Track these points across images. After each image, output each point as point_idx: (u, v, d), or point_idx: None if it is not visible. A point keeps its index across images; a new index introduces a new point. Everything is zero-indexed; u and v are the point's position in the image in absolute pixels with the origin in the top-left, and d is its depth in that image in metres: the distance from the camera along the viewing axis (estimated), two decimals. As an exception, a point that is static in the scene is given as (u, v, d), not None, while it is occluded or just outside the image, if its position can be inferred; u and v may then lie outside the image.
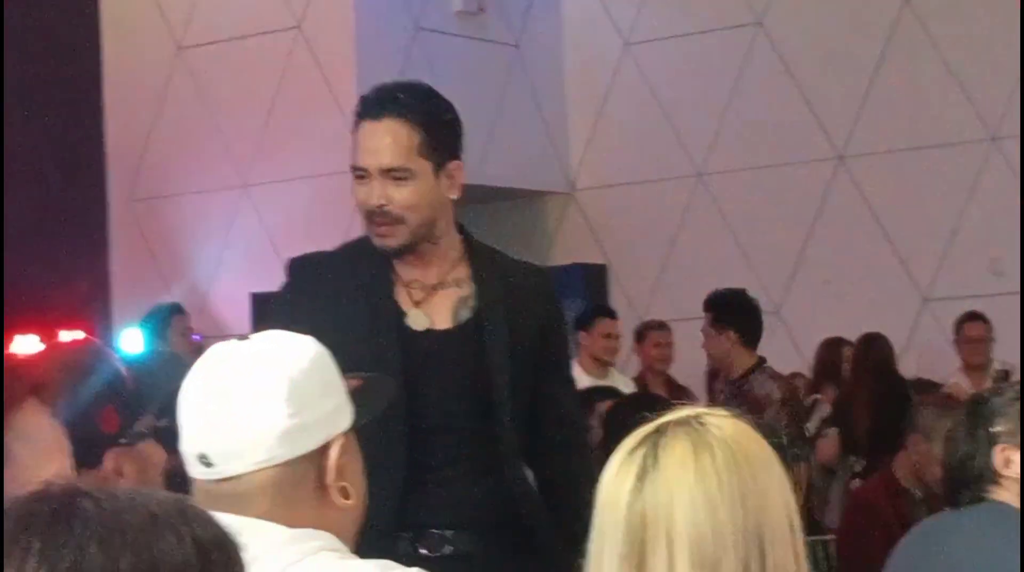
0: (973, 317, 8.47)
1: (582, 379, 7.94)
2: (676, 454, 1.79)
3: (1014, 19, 9.11)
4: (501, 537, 3.24)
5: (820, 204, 9.81)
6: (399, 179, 3.21)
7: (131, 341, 7.95)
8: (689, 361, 8.53)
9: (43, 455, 1.49)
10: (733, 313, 6.86)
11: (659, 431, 1.81)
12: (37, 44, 9.56)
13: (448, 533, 3.19)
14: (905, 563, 3.38)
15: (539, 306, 3.37)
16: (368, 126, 3.23)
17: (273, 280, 3.71)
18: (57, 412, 1.47)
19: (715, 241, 10.03)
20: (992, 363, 8.35)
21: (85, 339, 2.78)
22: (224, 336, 2.10)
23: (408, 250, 3.25)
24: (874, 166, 9.64)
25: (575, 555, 3.12)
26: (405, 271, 3.29)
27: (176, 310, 8.16)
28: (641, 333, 8.60)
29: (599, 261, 10.47)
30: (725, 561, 1.75)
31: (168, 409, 2.15)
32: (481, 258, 3.36)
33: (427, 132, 3.23)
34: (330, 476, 2.00)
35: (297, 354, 2.04)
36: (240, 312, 9.23)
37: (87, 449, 2.33)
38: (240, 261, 9.54)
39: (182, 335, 7.95)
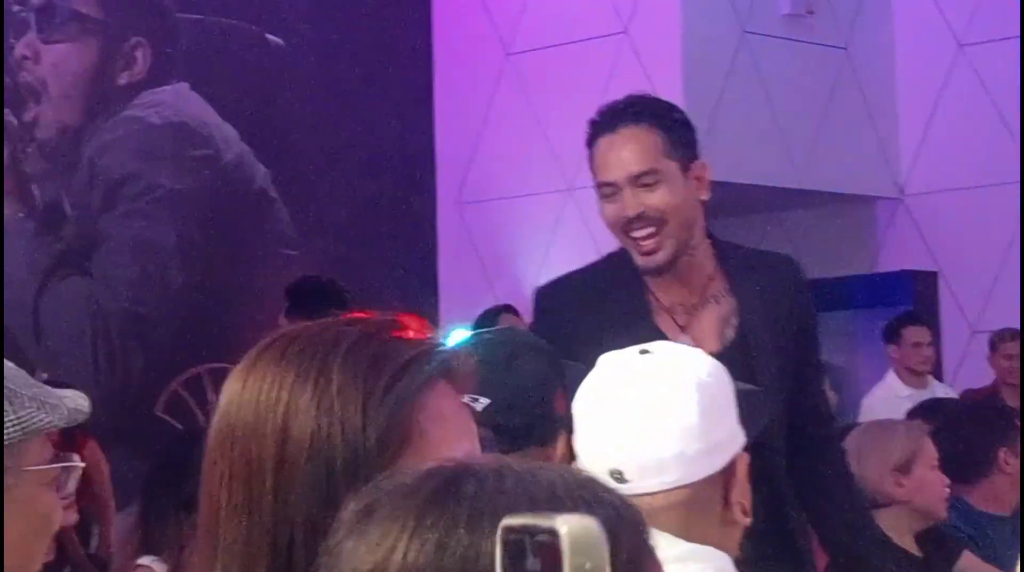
0: None
1: (900, 390, 7.76)
2: None
3: None
4: (767, 544, 3.18)
5: None
6: (650, 184, 3.13)
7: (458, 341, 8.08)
8: None
9: (453, 436, 1.49)
10: None
11: None
12: (370, 50, 9.81)
13: None
14: None
15: (795, 302, 3.24)
16: (606, 140, 3.16)
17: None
18: (480, 393, 1.53)
19: (1052, 248, 9.69)
20: None
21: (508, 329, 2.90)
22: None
23: (672, 264, 3.13)
24: None
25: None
26: (664, 294, 3.18)
27: (506, 310, 8.27)
28: (994, 343, 8.35)
29: (929, 268, 10.21)
30: None
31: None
32: (734, 263, 3.23)
33: (666, 132, 3.15)
34: (736, 494, 1.99)
35: (702, 368, 2.02)
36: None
37: (536, 424, 2.38)
38: (564, 264, 9.58)
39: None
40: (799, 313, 3.24)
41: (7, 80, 8.57)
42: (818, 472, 3.24)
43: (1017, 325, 9.41)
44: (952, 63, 10.17)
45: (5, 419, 1.81)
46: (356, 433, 1.45)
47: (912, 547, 4.21)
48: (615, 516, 1.15)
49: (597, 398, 2.01)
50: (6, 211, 8.46)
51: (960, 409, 5.78)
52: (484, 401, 2.37)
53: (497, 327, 2.50)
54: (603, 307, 3.16)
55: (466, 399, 2.43)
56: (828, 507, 3.21)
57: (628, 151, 3.13)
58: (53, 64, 8.71)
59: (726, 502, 1.98)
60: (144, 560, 3.91)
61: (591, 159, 3.17)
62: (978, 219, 10.00)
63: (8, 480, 1.81)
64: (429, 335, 1.55)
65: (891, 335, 7.89)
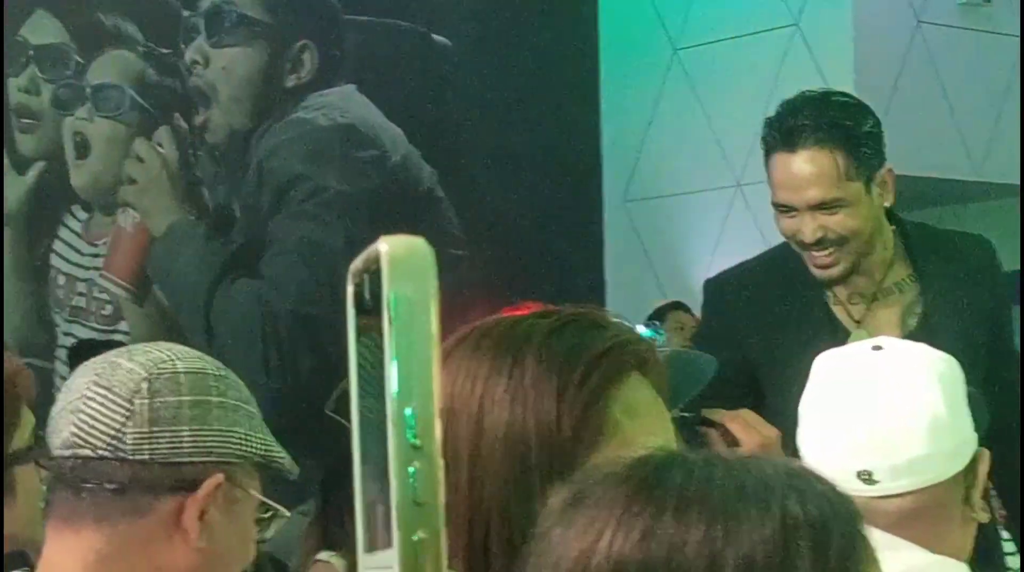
0: None
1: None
2: None
3: None
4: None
5: None
6: (832, 209, 3.02)
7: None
8: None
9: (649, 429, 1.48)
10: None
11: None
12: (536, 49, 9.79)
13: None
14: None
15: (987, 286, 3.12)
16: (784, 158, 3.06)
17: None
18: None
19: None
20: None
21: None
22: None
23: (849, 275, 3.04)
24: None
25: None
26: (841, 286, 3.08)
27: (675, 307, 8.21)
28: None
29: (1112, 261, 9.93)
30: None
31: None
32: (921, 247, 3.11)
33: (850, 153, 3.01)
34: (977, 491, 1.94)
35: (940, 363, 1.97)
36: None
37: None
38: (733, 260, 9.48)
39: (680, 331, 7.98)
40: (991, 298, 3.13)
41: (177, 85, 8.68)
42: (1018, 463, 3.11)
43: None
44: None
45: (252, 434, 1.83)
46: (551, 425, 1.45)
47: None
48: (828, 507, 1.13)
49: (833, 396, 1.95)
50: (176, 217, 8.58)
51: None
52: None
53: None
54: (776, 299, 3.10)
55: None
56: None
57: (808, 177, 3.03)
58: (222, 68, 8.81)
59: (967, 500, 1.93)
60: (322, 555, 4.02)
61: (767, 168, 3.06)
62: None
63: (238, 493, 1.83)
64: (623, 327, 1.55)
65: None
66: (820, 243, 3.02)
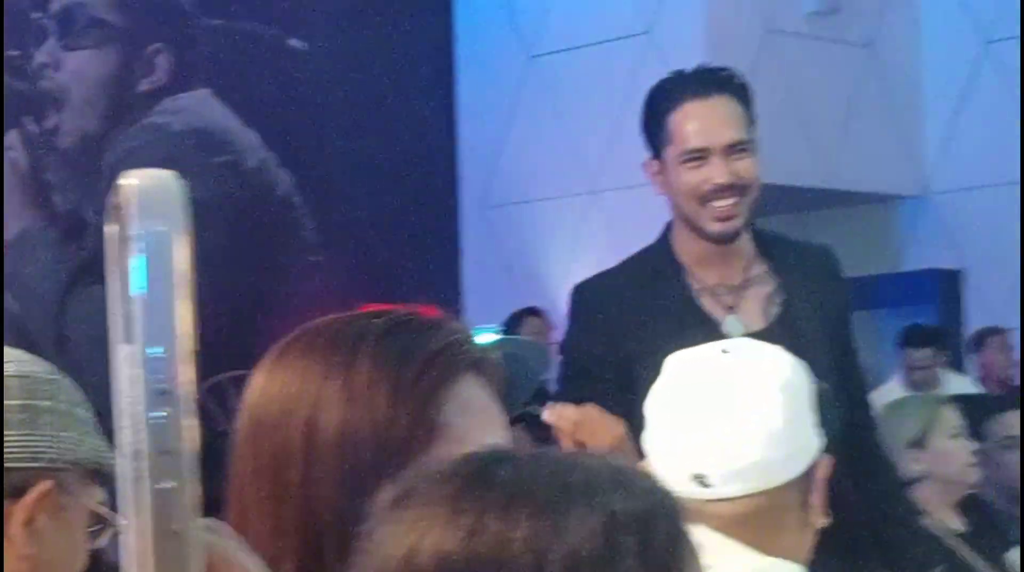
0: None
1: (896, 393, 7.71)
2: None
3: None
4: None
5: None
6: (740, 152, 3.13)
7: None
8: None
9: (483, 428, 1.49)
10: None
11: None
12: (392, 54, 9.79)
13: None
14: None
15: (834, 289, 3.23)
16: (695, 105, 3.15)
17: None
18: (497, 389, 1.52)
19: (1080, 246, 9.62)
20: None
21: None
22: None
23: (739, 234, 3.13)
24: None
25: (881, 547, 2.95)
26: (707, 276, 3.16)
27: (529, 313, 8.25)
28: (980, 339, 8.32)
29: (954, 266, 10.17)
30: None
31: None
32: (774, 248, 3.22)
33: (748, 106, 3.18)
34: (816, 497, 1.95)
35: (785, 369, 1.99)
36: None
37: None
38: (589, 266, 9.56)
39: (536, 336, 8.03)
40: (838, 300, 3.23)
41: (27, 88, 8.56)
42: (861, 459, 3.20)
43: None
44: (978, 60, 10.12)
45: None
46: (385, 424, 1.45)
47: (953, 520, 4.16)
48: (652, 503, 1.15)
49: (675, 398, 1.97)
50: (27, 222, 8.45)
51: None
52: None
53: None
54: (646, 296, 3.16)
55: None
56: (869, 495, 3.16)
57: (723, 118, 3.13)
58: (74, 71, 8.70)
59: (805, 505, 1.94)
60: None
61: (666, 126, 3.13)
62: (1003, 217, 9.94)
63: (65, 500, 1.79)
64: (457, 327, 1.54)
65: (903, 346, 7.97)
66: (730, 189, 3.09)
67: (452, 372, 1.49)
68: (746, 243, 3.18)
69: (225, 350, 8.66)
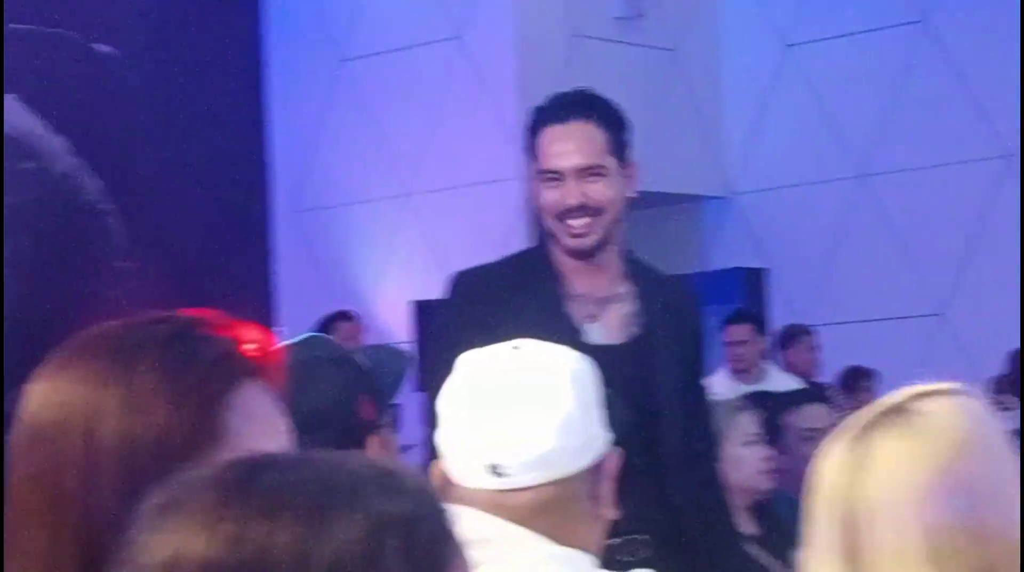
0: None
1: (725, 385, 7.90)
2: (884, 448, 1.72)
3: None
4: (666, 546, 3.25)
5: (986, 203, 9.65)
6: (594, 176, 3.28)
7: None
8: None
9: (265, 434, 1.48)
10: None
11: (871, 422, 1.75)
12: (202, 58, 9.74)
13: (617, 541, 3.20)
14: None
15: (692, 320, 3.43)
16: (555, 130, 3.31)
17: (434, 288, 3.73)
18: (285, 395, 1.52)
19: (877, 244, 9.92)
20: None
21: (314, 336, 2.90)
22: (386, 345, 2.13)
23: (596, 251, 3.29)
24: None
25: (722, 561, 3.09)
26: (576, 284, 3.32)
27: (340, 317, 8.26)
28: (789, 337, 8.54)
29: (758, 265, 10.41)
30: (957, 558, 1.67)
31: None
32: (640, 272, 3.40)
33: (611, 130, 3.33)
34: (606, 488, 2.02)
35: (574, 362, 2.05)
36: (401, 320, 9.33)
37: (345, 435, 2.39)
38: (401, 269, 9.63)
39: (347, 341, 8.04)
40: (694, 328, 3.42)
41: None
42: (698, 474, 3.37)
43: (840, 321, 9.67)
44: (778, 63, 10.37)
45: None
46: (166, 431, 1.44)
47: (746, 524, 4.31)
48: (418, 505, 1.15)
49: (469, 394, 2.02)
50: None
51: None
52: None
53: (297, 339, 2.53)
54: (518, 292, 3.28)
55: None
56: (690, 503, 3.30)
57: (577, 144, 3.28)
58: None
59: (594, 497, 2.01)
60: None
61: (534, 146, 3.28)
62: (805, 216, 10.21)
63: None
64: (242, 332, 1.54)
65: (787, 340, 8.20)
66: (581, 209, 3.25)
67: (233, 379, 1.49)
68: (613, 260, 3.35)
69: (35, 357, 8.57)
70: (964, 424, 1.73)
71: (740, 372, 7.87)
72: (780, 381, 7.84)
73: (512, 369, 2.03)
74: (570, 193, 3.26)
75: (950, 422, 1.72)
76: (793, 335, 8.55)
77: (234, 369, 1.49)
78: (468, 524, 1.98)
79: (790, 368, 8.48)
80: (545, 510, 1.96)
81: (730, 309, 9.09)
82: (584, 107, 3.34)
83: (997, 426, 1.75)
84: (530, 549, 1.93)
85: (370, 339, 8.70)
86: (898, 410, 1.74)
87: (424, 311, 8.74)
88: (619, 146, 3.34)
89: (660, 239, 10.35)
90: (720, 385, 7.90)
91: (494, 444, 1.98)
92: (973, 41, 9.68)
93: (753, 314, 8.61)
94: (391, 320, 9.51)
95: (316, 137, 10.12)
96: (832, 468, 1.74)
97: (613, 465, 2.03)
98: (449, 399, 2.04)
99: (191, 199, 9.55)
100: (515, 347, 2.05)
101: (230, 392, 1.48)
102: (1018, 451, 3.12)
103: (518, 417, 1.98)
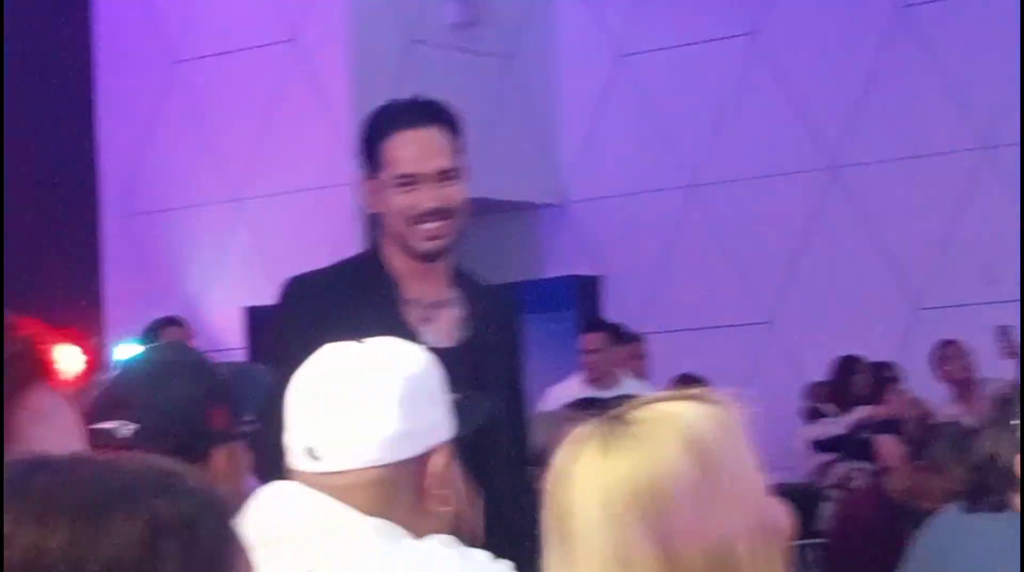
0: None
1: (576, 390, 7.95)
2: (625, 453, 1.70)
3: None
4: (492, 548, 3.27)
5: (813, 214, 9.82)
6: (449, 179, 3.32)
7: (126, 355, 7.94)
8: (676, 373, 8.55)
9: (55, 435, 1.46)
10: None
11: (590, 432, 1.75)
12: (29, 59, 9.56)
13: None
14: (926, 556, 3.37)
15: (513, 328, 3.49)
16: (407, 135, 3.33)
17: (266, 294, 3.71)
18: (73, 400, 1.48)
19: (708, 253, 10.05)
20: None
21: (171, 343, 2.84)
22: (217, 350, 2.11)
23: (447, 253, 3.34)
24: (868, 177, 9.66)
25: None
26: (409, 288, 3.35)
27: (169, 322, 8.14)
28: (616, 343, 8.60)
29: (591, 273, 10.48)
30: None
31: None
32: (464, 279, 3.45)
33: (455, 135, 3.38)
34: (430, 483, 2.04)
35: (411, 361, 2.10)
36: (233, 326, 9.24)
37: (191, 442, 2.37)
38: (233, 275, 9.54)
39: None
40: (515, 335, 3.48)
41: None
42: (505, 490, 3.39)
43: (673, 328, 9.77)
44: (612, 72, 10.46)
45: None
46: None
47: None
48: (199, 505, 1.13)
49: (304, 384, 2.07)
50: None
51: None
52: (132, 426, 2.38)
53: (149, 347, 2.52)
54: (353, 296, 3.31)
55: (115, 424, 2.41)
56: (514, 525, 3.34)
57: (432, 148, 3.33)
58: None
59: (421, 490, 2.03)
60: None
61: (378, 151, 3.30)
62: (638, 225, 10.31)
63: None
64: (33, 334, 1.51)
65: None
66: (438, 212, 3.30)
67: (23, 380, 1.46)
68: (446, 266, 3.39)
69: None
70: (705, 426, 1.69)
71: (594, 380, 7.94)
72: (634, 389, 7.90)
73: (349, 360, 2.08)
74: (426, 197, 3.30)
75: (690, 424, 1.68)
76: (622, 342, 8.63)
77: (25, 371, 1.47)
78: (284, 506, 1.99)
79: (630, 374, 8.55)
80: (357, 495, 2.00)
81: (564, 317, 9.15)
82: (432, 112, 3.39)
83: (737, 428, 1.71)
84: (345, 522, 1.97)
85: (200, 346, 8.59)
86: (617, 419, 1.73)
87: (256, 317, 8.66)
88: (461, 150, 3.39)
89: (494, 247, 10.38)
90: (574, 392, 7.97)
91: (309, 428, 2.04)
92: (803, 54, 9.85)
93: (608, 323, 8.67)
94: (222, 326, 9.41)
95: (147, 140, 9.98)
96: (552, 478, 1.76)
97: (441, 459, 2.04)
98: (289, 389, 2.09)
99: (18, 202, 9.36)
100: (361, 341, 2.09)
101: (21, 394, 1.45)
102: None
103: (336, 405, 2.03)
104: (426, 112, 3.37)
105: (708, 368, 8.82)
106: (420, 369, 2.08)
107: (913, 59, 9.50)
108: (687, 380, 8.72)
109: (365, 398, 2.02)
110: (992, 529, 3.22)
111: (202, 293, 9.77)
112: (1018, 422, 3.21)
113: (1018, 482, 3.19)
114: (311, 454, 2.02)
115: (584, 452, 1.73)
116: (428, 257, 3.32)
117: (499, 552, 3.26)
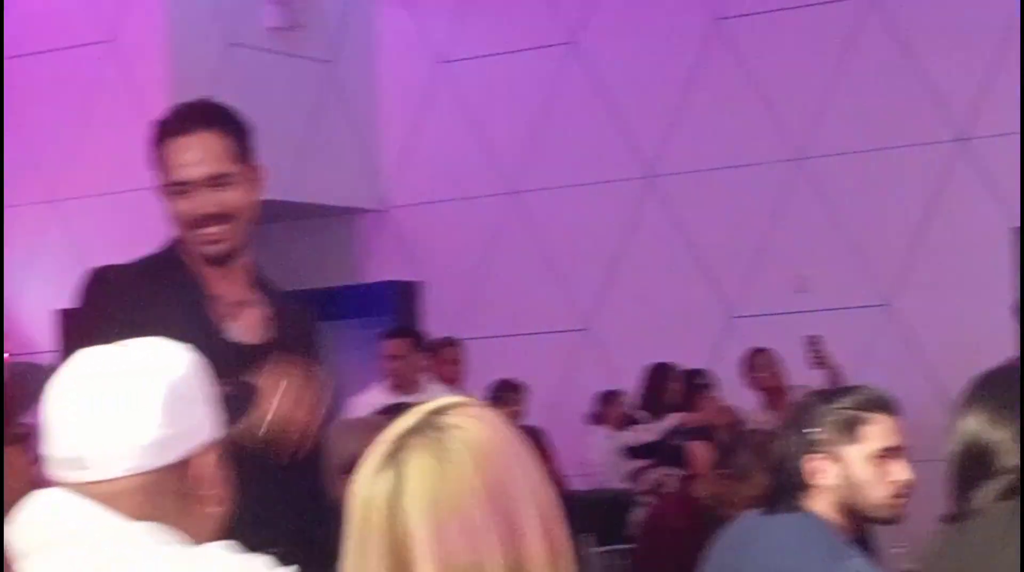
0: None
1: (379, 398, 7.92)
2: (417, 465, 1.76)
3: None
4: (299, 553, 3.26)
5: (629, 222, 9.95)
6: (223, 185, 3.31)
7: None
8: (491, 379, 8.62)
9: None
10: None
11: (403, 438, 1.79)
12: None
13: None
14: (721, 558, 3.44)
15: (311, 334, 3.52)
16: (180, 142, 3.32)
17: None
18: None
19: (527, 259, 10.13)
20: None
21: None
22: (29, 353, 2.10)
23: (231, 256, 3.33)
24: (683, 186, 9.81)
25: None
26: (215, 286, 3.35)
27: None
28: (434, 349, 8.63)
29: (412, 278, 10.50)
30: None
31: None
32: (265, 282, 3.47)
33: (234, 137, 3.36)
34: (200, 484, 2.03)
35: (174, 363, 2.07)
36: (46, 329, 9.09)
37: None
38: (46, 277, 9.40)
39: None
40: (314, 343, 3.51)
41: None
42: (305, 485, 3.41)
43: (492, 334, 9.84)
44: (433, 79, 10.49)
45: None
46: None
47: None
48: None
49: (64, 389, 2.03)
50: None
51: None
52: None
53: None
54: (156, 289, 3.30)
55: None
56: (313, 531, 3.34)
57: (203, 153, 3.31)
58: None
59: (190, 493, 2.02)
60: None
61: (159, 158, 3.29)
62: (458, 231, 10.35)
63: None
64: None
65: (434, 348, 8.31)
66: (212, 218, 3.28)
67: None
68: (246, 267, 3.39)
69: None
70: (487, 436, 1.78)
71: (396, 386, 7.91)
72: (438, 395, 7.91)
73: (107, 365, 2.04)
74: (201, 202, 3.29)
75: (474, 435, 1.77)
76: (437, 347, 8.65)
77: None
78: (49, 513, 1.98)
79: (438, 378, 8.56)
80: (127, 501, 1.99)
81: (384, 322, 9.15)
82: (206, 117, 3.37)
83: (514, 437, 1.81)
84: (111, 527, 1.95)
85: (12, 348, 8.45)
86: (427, 425, 1.79)
87: (68, 319, 8.53)
88: (244, 152, 3.37)
89: (314, 251, 10.35)
90: (377, 399, 7.95)
91: (75, 437, 2.00)
92: (620, 64, 9.98)
93: (410, 329, 8.69)
94: (34, 329, 9.26)
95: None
96: (369, 485, 1.78)
97: (209, 462, 2.04)
98: (48, 395, 2.04)
99: None
100: (124, 345, 2.07)
101: None
102: (828, 458, 3.22)
103: (100, 411, 2.00)
104: (202, 117, 3.36)
105: (525, 374, 8.90)
106: (182, 370, 2.06)
107: (728, 70, 9.68)
108: (504, 386, 8.79)
109: (127, 404, 2.00)
110: (782, 525, 3.31)
111: (13, 295, 9.60)
112: (811, 429, 3.32)
113: (808, 485, 3.29)
114: (77, 464, 1.99)
115: (410, 462, 1.76)
116: (213, 261, 3.33)
117: (292, 559, 3.27)
